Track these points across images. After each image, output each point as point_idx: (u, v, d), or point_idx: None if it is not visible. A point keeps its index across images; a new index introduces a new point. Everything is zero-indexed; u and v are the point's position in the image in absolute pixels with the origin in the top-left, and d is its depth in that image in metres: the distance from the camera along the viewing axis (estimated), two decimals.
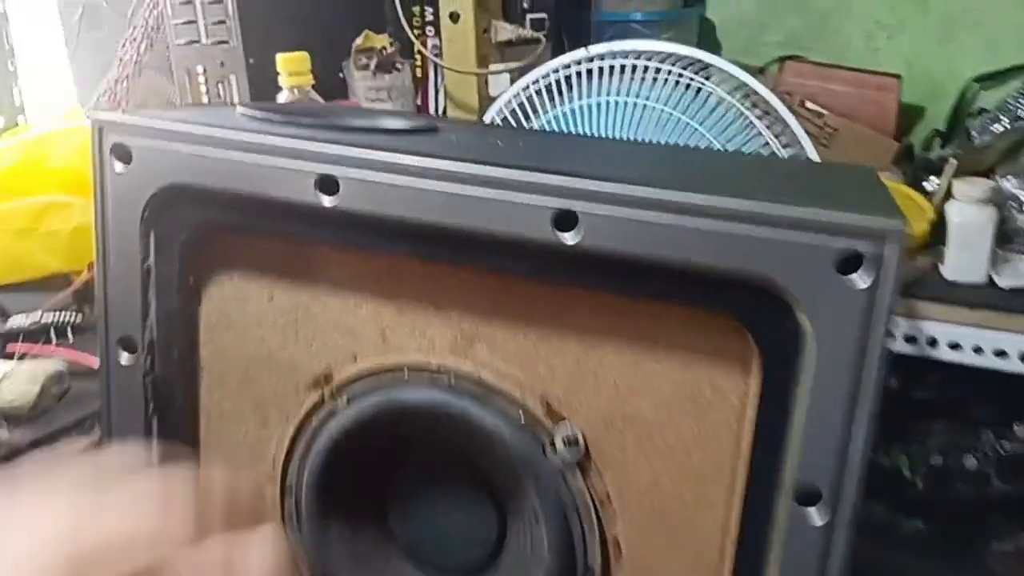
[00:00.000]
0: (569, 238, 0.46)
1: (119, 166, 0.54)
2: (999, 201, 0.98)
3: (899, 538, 1.04)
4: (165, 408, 0.58)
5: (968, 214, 0.96)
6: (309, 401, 0.56)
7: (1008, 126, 1.13)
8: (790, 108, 0.93)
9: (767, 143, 0.87)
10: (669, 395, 0.48)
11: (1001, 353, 0.92)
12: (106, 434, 0.59)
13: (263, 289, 0.56)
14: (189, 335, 0.58)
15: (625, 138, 0.82)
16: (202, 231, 0.55)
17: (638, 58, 0.85)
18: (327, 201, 0.50)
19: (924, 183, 1.14)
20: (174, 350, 0.57)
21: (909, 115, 1.21)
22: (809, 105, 1.19)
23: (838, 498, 0.45)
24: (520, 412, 0.51)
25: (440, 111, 1.17)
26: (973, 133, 1.14)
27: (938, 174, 1.14)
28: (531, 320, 0.50)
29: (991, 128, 1.13)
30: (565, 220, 0.46)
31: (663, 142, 0.82)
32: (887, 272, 0.42)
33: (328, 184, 0.50)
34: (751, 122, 0.87)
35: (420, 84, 1.20)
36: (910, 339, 0.93)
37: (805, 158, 0.82)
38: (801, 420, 0.45)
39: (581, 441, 0.50)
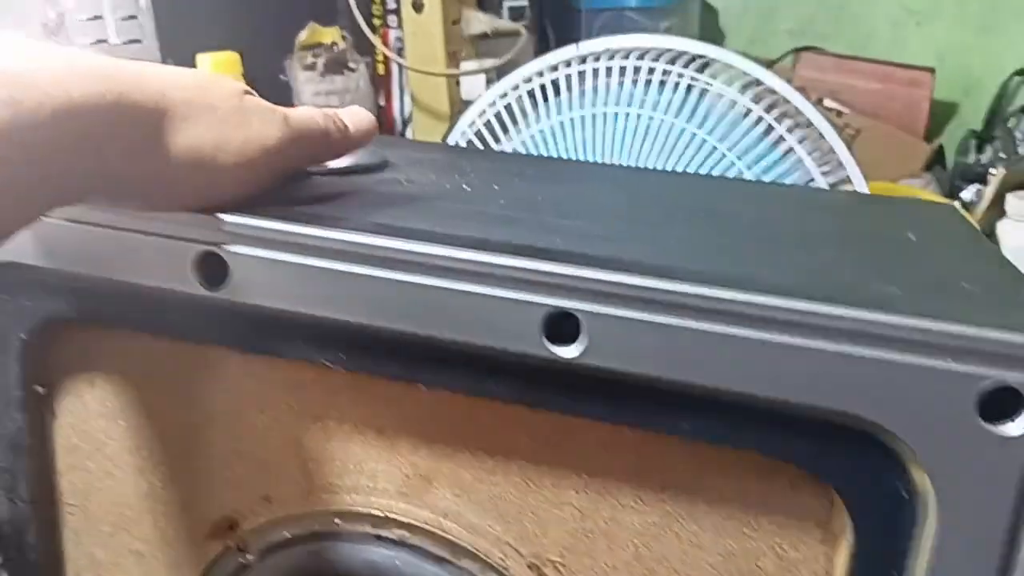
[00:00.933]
0: (566, 352, 0.31)
1: None
2: None
3: None
4: (16, 559, 0.42)
5: (1022, 234, 0.82)
6: (209, 552, 0.41)
7: None
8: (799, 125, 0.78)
9: (791, 151, 0.72)
10: (713, 568, 0.34)
11: None
12: None
13: (137, 404, 0.40)
14: (41, 463, 0.42)
15: (627, 162, 0.66)
16: (50, 326, 0.39)
17: (639, 57, 0.69)
18: (210, 292, 0.34)
19: (961, 192, 0.99)
20: (22, 482, 0.42)
21: (941, 113, 1.06)
22: (828, 103, 1.04)
23: None
24: None
25: (405, 116, 1.01)
26: (1017, 135, 1.00)
27: (976, 181, 0.99)
28: (512, 456, 0.35)
29: None
30: (560, 326, 0.31)
31: (674, 165, 0.66)
32: None
33: (211, 268, 0.34)
34: (769, 125, 0.72)
35: (382, 84, 1.04)
36: None
37: (851, 192, 0.67)
38: None
39: None
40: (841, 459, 0.30)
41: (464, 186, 0.44)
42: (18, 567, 0.43)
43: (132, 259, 0.35)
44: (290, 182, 0.39)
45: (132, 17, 0.76)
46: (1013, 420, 0.27)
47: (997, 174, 0.90)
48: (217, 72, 0.75)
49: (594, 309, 0.30)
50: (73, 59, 0.28)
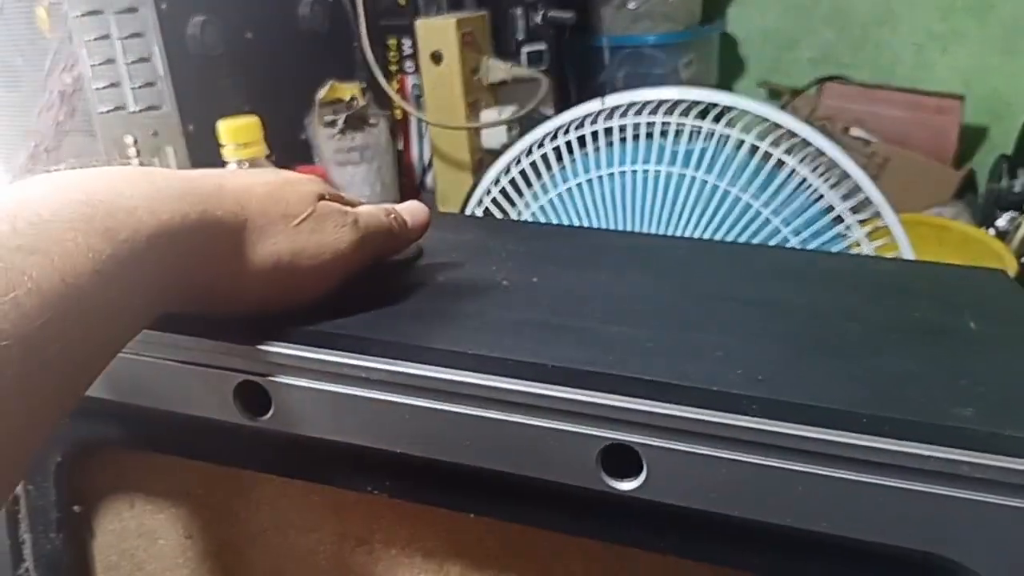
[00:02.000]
0: (625, 485, 0.30)
1: None
2: None
3: None
4: None
5: None
6: None
7: None
8: (831, 136, 0.76)
9: (814, 191, 0.71)
10: None
11: None
12: None
13: (176, 523, 0.39)
14: None
15: (653, 220, 0.65)
16: (85, 449, 0.38)
17: (667, 113, 0.68)
18: (254, 420, 0.33)
19: (996, 220, 0.97)
20: None
21: (970, 139, 1.04)
22: (855, 132, 1.02)
23: None
24: None
25: (426, 165, 1.00)
26: None
27: (1011, 208, 0.97)
28: None
29: None
30: (618, 458, 0.29)
31: (705, 221, 0.65)
32: None
33: (252, 398, 0.33)
34: (793, 169, 0.71)
35: (401, 128, 1.03)
36: None
37: (896, 258, 0.65)
38: None
39: None
40: None
41: (503, 281, 0.42)
42: None
43: (172, 388, 0.34)
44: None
45: (151, 84, 0.76)
46: None
47: None
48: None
49: (653, 442, 0.29)
50: (155, 179, 0.29)
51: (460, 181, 0.90)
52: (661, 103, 0.70)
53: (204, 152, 0.78)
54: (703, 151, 0.68)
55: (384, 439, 0.32)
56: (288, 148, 0.84)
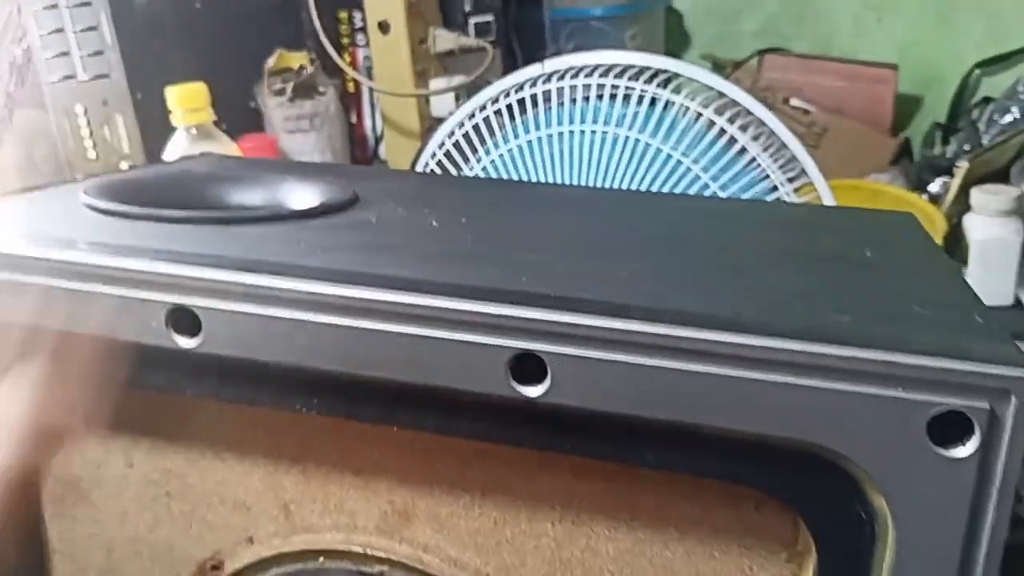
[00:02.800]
0: (532, 391, 0.32)
1: None
2: (1023, 212, 0.85)
3: None
4: None
5: (991, 229, 0.83)
6: None
7: (1018, 115, 1.01)
8: (772, 107, 0.79)
9: (753, 160, 0.74)
10: None
11: None
12: None
13: (118, 452, 0.41)
14: (28, 512, 0.43)
15: (595, 178, 0.67)
16: None
17: (603, 73, 0.70)
18: (184, 343, 0.35)
19: (929, 186, 1.01)
20: (10, 529, 0.42)
21: (905, 107, 1.08)
22: (794, 102, 1.06)
23: None
24: None
25: (377, 135, 1.01)
26: (980, 126, 1.01)
27: (943, 173, 1.01)
28: (488, 490, 0.36)
29: (999, 120, 1.01)
30: (526, 367, 0.32)
31: (640, 179, 0.67)
32: (1006, 437, 0.29)
33: (183, 320, 0.35)
34: (732, 137, 0.73)
35: (352, 102, 1.05)
36: None
37: (812, 206, 0.68)
38: None
39: None
40: (803, 485, 0.31)
41: (433, 222, 0.44)
42: None
43: (109, 317, 0.36)
44: (258, 229, 0.39)
45: (99, 53, 0.77)
46: (963, 443, 0.29)
47: (961, 167, 0.92)
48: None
49: (557, 350, 0.31)
50: None
51: (410, 149, 0.92)
52: (600, 67, 0.73)
53: (153, 120, 0.79)
54: (639, 113, 0.71)
55: (309, 357, 0.34)
56: (238, 117, 0.85)
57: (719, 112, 0.72)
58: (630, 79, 0.70)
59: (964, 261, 0.85)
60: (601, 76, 0.71)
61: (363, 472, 0.38)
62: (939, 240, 0.91)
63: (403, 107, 0.90)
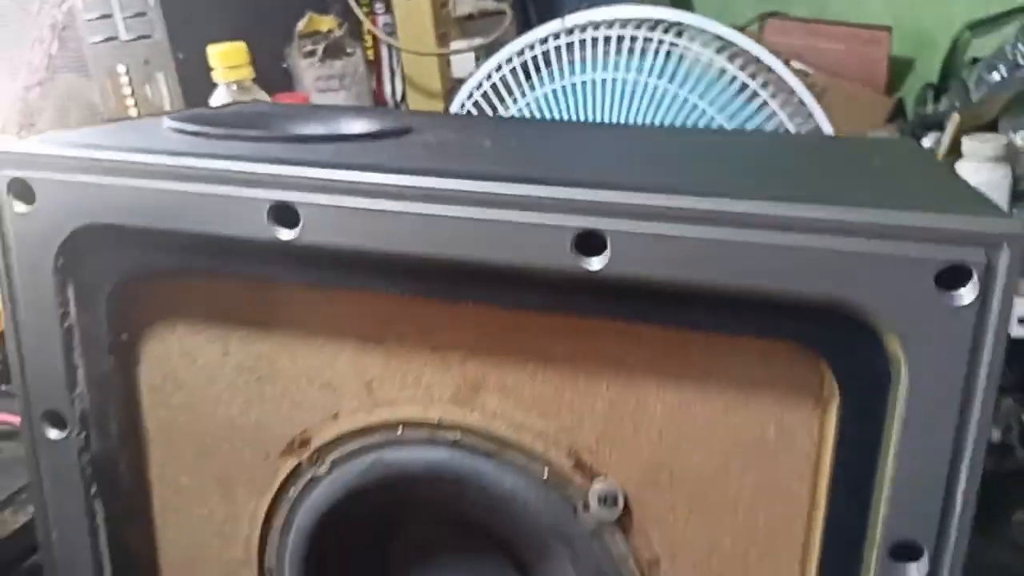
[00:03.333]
0: (595, 263, 0.37)
1: (20, 206, 0.43)
2: (1011, 158, 0.91)
3: None
4: (109, 489, 0.48)
5: (981, 174, 0.89)
6: (284, 469, 0.47)
7: (1005, 75, 1.06)
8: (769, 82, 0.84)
9: (765, 105, 0.79)
10: (726, 442, 0.40)
11: (1021, 321, 0.86)
12: (42, 520, 0.49)
13: (214, 341, 0.46)
14: (130, 402, 0.48)
15: (617, 122, 0.72)
16: (131, 278, 0.44)
17: (622, 27, 0.75)
18: (284, 235, 0.40)
19: (922, 140, 1.06)
20: (112, 422, 0.47)
21: (899, 68, 1.13)
22: (795, 64, 1.11)
23: (941, 551, 0.37)
24: (544, 469, 0.43)
25: (398, 98, 1.06)
26: (970, 85, 1.07)
27: (935, 129, 1.07)
28: (550, 358, 0.41)
29: (988, 78, 1.06)
30: (589, 242, 0.37)
31: (660, 123, 0.73)
32: (1000, 285, 0.34)
33: (284, 214, 0.40)
34: (744, 84, 0.79)
35: (373, 69, 1.09)
36: None
37: (822, 133, 0.73)
38: (892, 464, 0.37)
39: (620, 498, 0.42)
40: (830, 336, 0.37)
41: (487, 142, 0.50)
42: (110, 497, 0.48)
43: (211, 212, 0.41)
44: (330, 146, 0.44)
45: (141, 14, 0.81)
46: (964, 291, 0.34)
47: (952, 120, 0.97)
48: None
49: (616, 226, 0.36)
50: None
51: (433, 109, 0.97)
52: (619, 21, 0.78)
53: (193, 78, 0.83)
54: (657, 63, 0.76)
55: (395, 243, 0.39)
56: (271, 77, 0.89)
57: (730, 60, 0.77)
58: (648, 30, 0.75)
59: None
60: (617, 27, 0.76)
61: (439, 348, 0.43)
62: None
63: (425, 69, 0.95)
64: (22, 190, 0.43)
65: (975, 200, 0.38)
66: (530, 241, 0.37)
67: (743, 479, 0.40)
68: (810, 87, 1.13)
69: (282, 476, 0.47)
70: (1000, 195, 0.89)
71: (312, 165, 0.40)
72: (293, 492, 0.47)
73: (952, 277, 0.34)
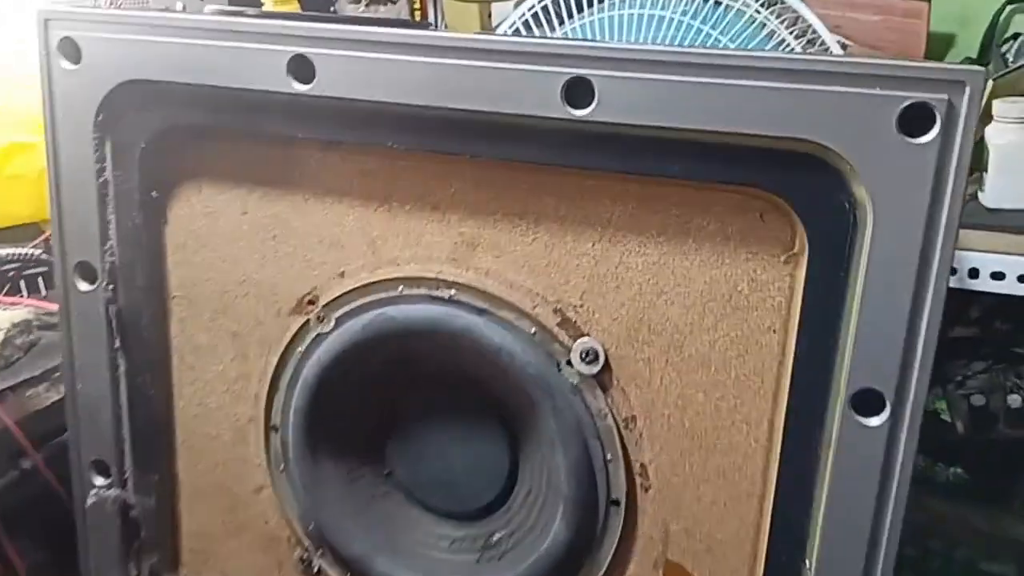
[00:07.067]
0: (582, 112, 0.39)
1: (67, 64, 0.47)
2: None
3: (938, 486, 0.97)
4: (131, 343, 0.52)
5: (1009, 135, 0.89)
6: (293, 326, 0.50)
7: None
8: (811, 42, 0.86)
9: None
10: (701, 296, 0.42)
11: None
12: (68, 371, 0.53)
13: (235, 201, 0.49)
14: (155, 258, 0.51)
15: None
16: (163, 136, 0.48)
17: None
18: (301, 87, 0.43)
19: None
20: (139, 276, 0.51)
21: (938, 43, 1.13)
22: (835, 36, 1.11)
23: (902, 401, 0.39)
24: (531, 325, 0.45)
25: None
26: (1008, 58, 1.07)
27: None
28: (541, 218, 0.44)
29: None
30: (577, 90, 0.39)
31: None
32: (961, 124, 0.35)
33: (301, 67, 0.43)
34: (775, 32, 0.80)
35: (417, 15, 1.14)
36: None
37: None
38: (857, 312, 0.38)
39: (601, 355, 0.44)
40: (799, 182, 0.38)
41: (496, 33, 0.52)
42: (132, 351, 0.52)
43: (235, 66, 0.44)
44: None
45: None
46: (927, 131, 0.36)
47: (986, 89, 0.97)
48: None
49: (604, 74, 0.39)
50: None
51: None
52: None
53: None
54: (707, 8, 0.78)
55: (401, 94, 0.42)
56: None
57: (779, 20, 0.79)
58: None
59: (985, 168, 0.91)
60: None
61: (439, 207, 0.46)
62: None
63: (466, 17, 0.99)
64: (70, 49, 0.47)
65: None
66: (524, 90, 0.40)
67: (716, 332, 0.42)
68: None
69: (291, 333, 0.50)
70: None
71: (328, 22, 0.43)
72: (300, 348, 0.50)
73: (915, 118, 0.35)
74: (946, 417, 0.96)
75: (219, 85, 0.45)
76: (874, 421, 0.39)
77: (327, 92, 0.43)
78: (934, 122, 0.35)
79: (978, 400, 0.93)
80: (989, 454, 0.96)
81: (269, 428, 0.52)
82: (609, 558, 0.47)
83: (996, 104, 0.90)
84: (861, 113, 0.36)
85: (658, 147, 0.40)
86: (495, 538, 0.50)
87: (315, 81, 0.43)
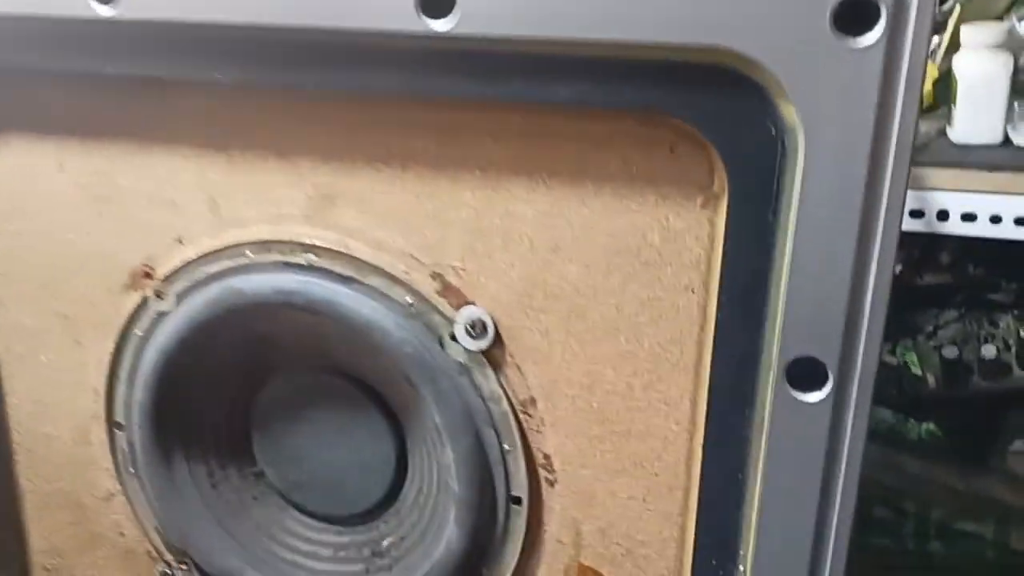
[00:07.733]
0: (442, 24, 0.31)
1: None
2: (1014, 47, 0.83)
3: (910, 444, 0.91)
4: None
5: (979, 64, 0.81)
6: (128, 305, 0.41)
7: None
8: None
9: None
10: (604, 250, 0.34)
11: (1019, 222, 0.78)
12: None
13: (50, 154, 0.41)
14: None
15: None
16: None
17: None
18: (103, 9, 0.35)
19: None
20: None
21: None
22: None
23: (848, 371, 0.31)
24: (406, 293, 0.37)
25: None
26: None
27: (938, 32, 0.99)
28: (409, 162, 0.36)
29: None
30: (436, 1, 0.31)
31: None
32: (912, 23, 0.27)
33: None
34: None
35: None
36: (916, 214, 0.78)
37: None
38: (789, 264, 0.31)
39: (490, 326, 0.36)
40: (714, 105, 0.30)
41: None
42: None
43: None
44: None
45: None
46: (868, 32, 0.28)
47: (953, 11, 0.89)
48: None
49: None
50: None
51: None
52: None
53: None
54: None
55: (224, 11, 0.33)
56: None
57: None
58: None
59: (953, 101, 0.83)
60: None
61: (287, 154, 0.37)
62: (929, 86, 0.89)
63: None
64: None
65: None
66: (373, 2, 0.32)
67: (625, 294, 0.34)
68: None
69: (127, 313, 0.42)
70: (999, 85, 0.81)
71: None
72: (138, 331, 0.42)
73: (854, 14, 0.27)
74: (917, 370, 0.90)
75: (10, 13, 0.36)
76: (814, 396, 0.32)
77: (134, 14, 0.34)
78: (878, 18, 0.27)
79: (951, 352, 0.86)
80: (963, 409, 0.90)
81: (113, 426, 0.44)
82: (513, 565, 0.39)
83: (964, 29, 0.82)
84: (785, 10, 0.28)
85: (540, 67, 0.31)
86: (384, 545, 0.43)
87: (117, 1, 0.34)
